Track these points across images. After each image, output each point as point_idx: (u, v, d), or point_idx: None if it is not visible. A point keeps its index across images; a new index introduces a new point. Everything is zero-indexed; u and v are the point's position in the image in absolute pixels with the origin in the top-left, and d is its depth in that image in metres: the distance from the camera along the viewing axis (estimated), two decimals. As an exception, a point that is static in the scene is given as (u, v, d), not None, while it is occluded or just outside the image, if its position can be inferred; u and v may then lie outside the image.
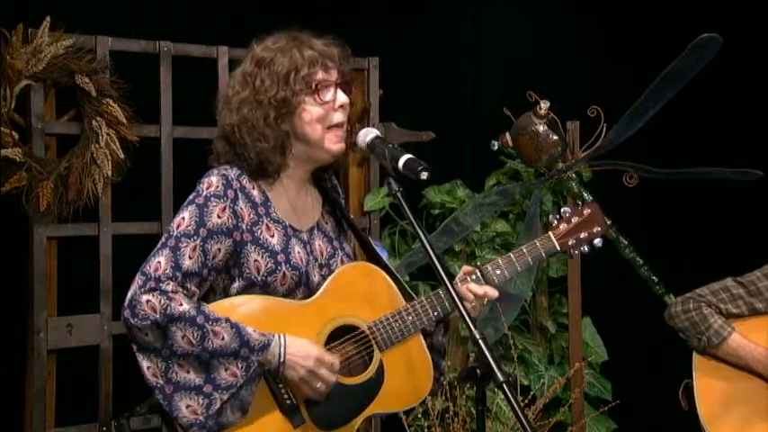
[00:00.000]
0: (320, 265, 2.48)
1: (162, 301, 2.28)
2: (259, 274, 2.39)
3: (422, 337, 2.51)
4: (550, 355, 4.51)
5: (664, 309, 3.29)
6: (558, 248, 2.64)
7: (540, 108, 4.20)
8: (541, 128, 4.21)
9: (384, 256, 2.61)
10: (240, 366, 2.30)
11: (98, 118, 3.60)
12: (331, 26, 2.52)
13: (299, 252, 2.44)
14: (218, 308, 2.36)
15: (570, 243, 2.65)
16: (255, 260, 2.39)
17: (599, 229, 2.68)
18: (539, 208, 4.29)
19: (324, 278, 2.47)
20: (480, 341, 2.20)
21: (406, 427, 4.04)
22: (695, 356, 3.18)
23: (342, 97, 2.45)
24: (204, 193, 2.38)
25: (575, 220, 2.66)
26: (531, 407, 4.11)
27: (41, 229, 3.56)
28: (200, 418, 2.29)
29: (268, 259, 2.39)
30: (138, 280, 2.32)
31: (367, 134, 2.46)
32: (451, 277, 2.36)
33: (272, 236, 2.42)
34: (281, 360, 2.33)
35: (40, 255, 3.56)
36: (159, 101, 3.79)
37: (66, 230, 3.62)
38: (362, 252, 2.66)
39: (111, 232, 3.69)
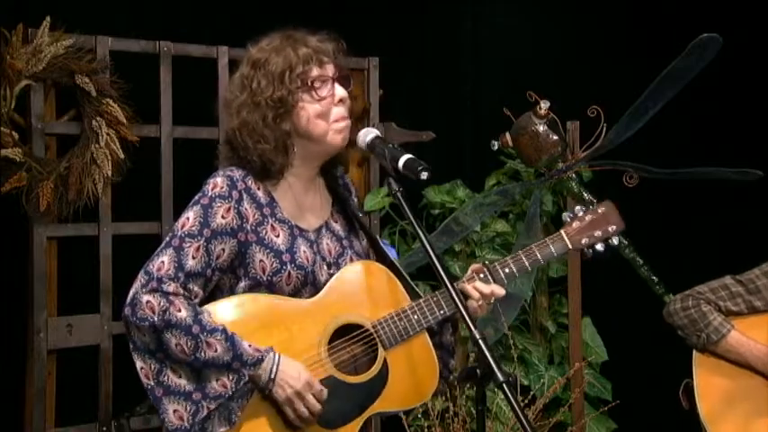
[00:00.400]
0: (328, 264, 2.48)
1: (162, 304, 2.28)
2: (264, 273, 2.39)
3: (428, 335, 2.49)
4: (550, 355, 4.51)
5: (663, 308, 3.29)
6: (570, 246, 2.60)
7: (540, 108, 4.20)
8: (541, 128, 4.21)
9: (393, 254, 2.60)
10: (231, 378, 2.30)
11: (98, 118, 3.60)
12: (331, 26, 2.52)
13: (304, 251, 2.44)
14: (221, 307, 2.37)
15: (583, 241, 2.61)
16: (261, 260, 2.39)
17: (614, 227, 2.63)
18: (539, 208, 4.30)
19: (331, 277, 2.48)
20: (480, 341, 2.19)
21: (406, 427, 4.04)
22: (695, 355, 3.18)
23: (340, 91, 2.45)
24: (209, 194, 2.39)
25: (588, 218, 2.62)
26: (531, 407, 4.11)
27: (41, 229, 3.56)
28: (186, 424, 2.30)
29: (273, 259, 2.40)
30: (141, 279, 2.32)
31: (367, 134, 2.46)
32: (452, 277, 2.35)
33: (278, 236, 2.42)
34: (272, 377, 2.32)
35: (40, 255, 3.56)
36: (159, 101, 3.80)
37: (67, 230, 3.63)
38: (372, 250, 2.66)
39: (111, 232, 3.69)
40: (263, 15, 4.15)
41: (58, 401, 3.60)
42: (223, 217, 2.37)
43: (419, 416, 4.02)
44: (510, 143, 4.29)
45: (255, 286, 2.40)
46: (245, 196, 2.41)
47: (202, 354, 2.29)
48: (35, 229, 3.55)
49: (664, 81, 4.08)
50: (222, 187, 2.39)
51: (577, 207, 2.65)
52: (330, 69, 2.45)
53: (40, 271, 3.56)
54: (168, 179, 3.81)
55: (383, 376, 2.44)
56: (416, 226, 2.36)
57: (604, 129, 4.22)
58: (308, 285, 2.44)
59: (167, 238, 2.37)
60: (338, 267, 2.49)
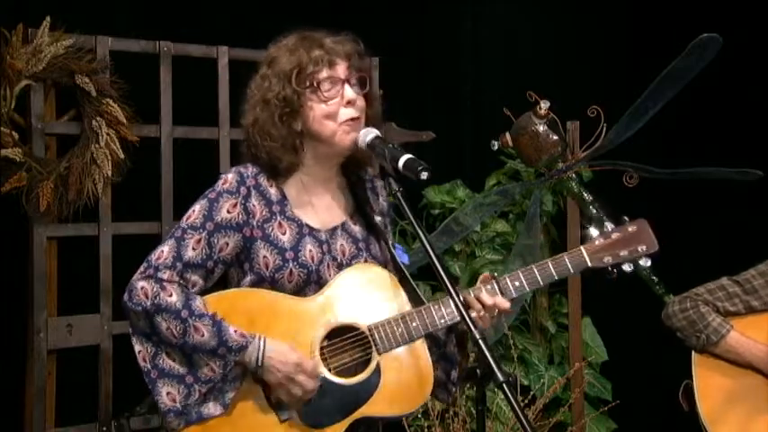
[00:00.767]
0: (339, 264, 2.47)
1: (154, 289, 2.34)
2: (267, 270, 2.41)
3: (425, 344, 2.46)
4: (550, 355, 4.51)
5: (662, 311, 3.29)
6: (590, 264, 2.48)
7: (540, 108, 4.21)
8: (541, 128, 4.21)
9: (405, 259, 2.57)
10: (218, 364, 2.34)
11: (98, 118, 3.60)
12: (331, 26, 2.52)
13: (310, 250, 2.45)
14: (219, 299, 2.40)
15: (605, 260, 2.49)
16: (264, 256, 2.42)
17: (644, 247, 2.50)
18: (539, 208, 4.30)
19: None
20: (480, 341, 2.19)
21: (406, 427, 4.04)
22: (694, 356, 3.19)
23: (349, 93, 2.44)
24: (218, 189, 2.43)
25: (615, 236, 2.50)
26: (531, 407, 4.12)
27: (41, 229, 3.56)
28: (178, 405, 2.35)
29: (276, 256, 2.42)
30: (141, 266, 2.39)
31: (367, 134, 2.46)
32: (452, 277, 2.34)
33: (284, 233, 2.44)
34: (259, 363, 2.34)
35: (40, 255, 3.56)
36: (159, 101, 3.79)
37: (67, 230, 3.62)
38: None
39: (111, 232, 3.69)
40: (263, 15, 4.16)
41: (58, 401, 3.60)
42: (228, 212, 2.41)
43: (419, 416, 4.02)
44: (510, 143, 4.29)
45: (259, 282, 2.42)
46: (253, 192, 2.43)
47: (190, 338, 2.33)
48: (35, 229, 3.55)
49: (664, 81, 4.08)
50: (231, 183, 2.43)
51: (609, 224, 2.55)
52: (341, 71, 2.44)
53: (40, 271, 3.56)
54: (168, 179, 3.81)
55: (374, 381, 2.42)
56: (416, 226, 2.36)
57: (604, 129, 4.23)
58: (312, 284, 2.44)
59: (173, 230, 2.43)
60: None
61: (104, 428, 3.62)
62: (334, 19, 2.65)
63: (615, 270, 2.52)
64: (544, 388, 4.26)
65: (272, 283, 2.41)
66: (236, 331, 2.34)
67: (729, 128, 4.77)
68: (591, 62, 4.86)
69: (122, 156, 3.65)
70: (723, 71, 4.27)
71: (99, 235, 3.67)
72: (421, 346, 2.45)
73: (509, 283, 2.49)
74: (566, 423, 4.27)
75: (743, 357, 3.13)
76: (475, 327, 2.22)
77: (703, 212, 4.71)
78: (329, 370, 2.42)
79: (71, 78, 3.57)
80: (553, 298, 4.58)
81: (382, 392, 2.42)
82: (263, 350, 2.35)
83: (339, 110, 2.44)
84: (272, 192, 2.46)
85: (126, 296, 2.37)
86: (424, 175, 2.31)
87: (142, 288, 2.35)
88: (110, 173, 3.62)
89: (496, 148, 4.34)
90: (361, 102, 2.46)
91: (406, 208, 2.38)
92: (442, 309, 2.45)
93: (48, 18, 3.52)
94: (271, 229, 2.43)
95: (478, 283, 2.50)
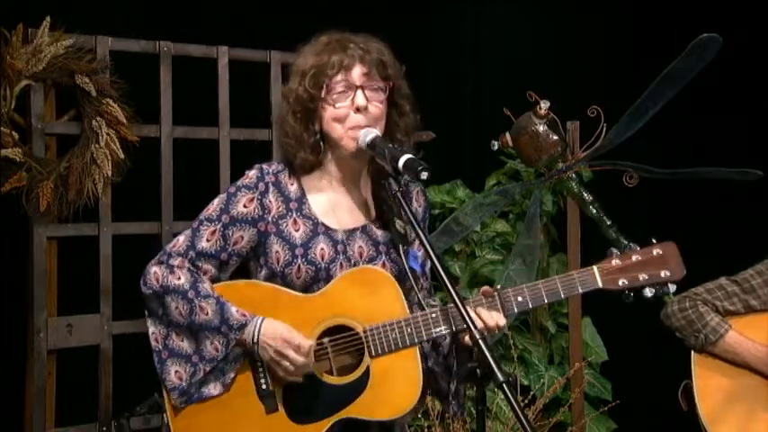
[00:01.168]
0: (353, 265, 2.49)
1: (164, 273, 2.46)
2: (278, 264, 2.46)
3: (418, 351, 2.44)
4: (550, 355, 4.51)
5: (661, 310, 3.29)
6: (601, 285, 2.38)
7: (540, 108, 4.20)
8: (541, 128, 4.20)
9: (416, 265, 2.54)
10: (221, 342, 2.42)
11: (98, 118, 3.60)
12: (331, 26, 2.52)
13: (322, 249, 2.47)
14: (227, 287, 2.49)
15: (621, 282, 2.37)
16: (276, 251, 2.47)
17: (668, 273, 2.34)
18: (539, 208, 4.30)
19: None
20: (480, 341, 2.19)
21: (406, 426, 4.04)
22: (693, 356, 3.19)
23: (360, 100, 2.44)
24: (238, 184, 2.52)
25: (636, 257, 2.36)
26: (531, 407, 4.12)
27: (41, 229, 3.56)
28: (183, 384, 2.45)
29: (287, 252, 2.46)
30: (158, 254, 2.51)
31: (367, 134, 2.46)
32: (452, 277, 2.34)
33: (297, 230, 2.48)
34: (255, 340, 2.40)
35: (40, 255, 3.56)
36: (159, 101, 3.79)
37: (67, 230, 3.63)
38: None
39: (111, 232, 3.69)
40: (263, 15, 4.15)
41: (58, 401, 3.60)
42: (245, 206, 2.48)
43: (419, 416, 4.02)
44: (510, 143, 4.29)
45: (272, 276, 2.48)
46: (271, 189, 2.49)
47: (196, 317, 2.43)
48: (35, 229, 3.55)
49: (664, 81, 4.08)
50: (251, 179, 2.51)
51: (631, 243, 2.38)
52: (357, 76, 2.45)
53: (40, 271, 3.56)
54: (168, 179, 3.81)
55: (362, 383, 2.43)
56: (416, 226, 2.36)
57: (604, 129, 4.22)
58: (321, 282, 2.47)
59: (193, 222, 2.52)
60: None
61: (104, 428, 3.62)
62: (334, 19, 2.65)
63: (632, 294, 2.39)
64: (544, 388, 4.26)
65: (283, 278, 2.46)
66: (237, 311, 2.42)
67: (729, 128, 4.77)
68: (591, 62, 4.86)
69: (122, 156, 3.65)
70: (723, 71, 4.27)
71: (99, 235, 3.67)
72: (413, 352, 2.44)
73: (512, 298, 2.45)
74: (566, 423, 4.27)
75: (741, 357, 3.13)
76: (475, 327, 2.22)
77: (703, 212, 4.71)
78: (321, 369, 2.43)
79: (71, 78, 3.57)
80: (553, 298, 4.57)
81: (368, 396, 2.42)
82: (260, 328, 2.41)
83: (348, 115, 2.45)
84: (292, 189, 2.51)
85: (141, 281, 2.49)
86: (424, 175, 2.32)
87: (154, 273, 2.47)
88: (110, 173, 3.62)
89: (496, 148, 4.34)
90: (375, 109, 2.46)
91: (407, 208, 2.38)
92: (440, 317, 2.43)
93: (48, 18, 3.52)
94: (285, 225, 2.48)
95: (479, 295, 2.46)
